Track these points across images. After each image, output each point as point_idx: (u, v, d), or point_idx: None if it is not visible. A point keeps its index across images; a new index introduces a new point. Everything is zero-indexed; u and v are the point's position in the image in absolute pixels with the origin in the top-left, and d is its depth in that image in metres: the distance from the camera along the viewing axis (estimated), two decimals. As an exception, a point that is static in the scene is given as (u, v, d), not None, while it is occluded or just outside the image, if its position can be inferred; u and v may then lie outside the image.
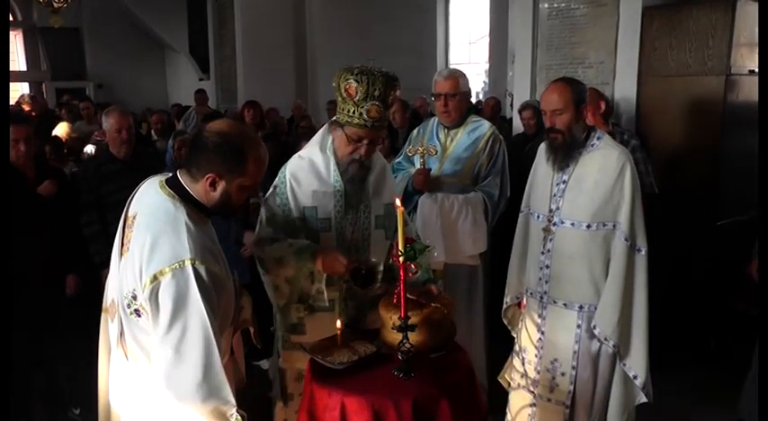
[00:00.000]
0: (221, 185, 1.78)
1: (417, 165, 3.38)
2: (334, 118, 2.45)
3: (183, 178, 1.82)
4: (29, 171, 3.35)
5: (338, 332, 2.22)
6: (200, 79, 11.73)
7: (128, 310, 1.76)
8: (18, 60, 13.24)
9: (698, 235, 4.18)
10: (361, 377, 2.06)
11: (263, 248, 2.40)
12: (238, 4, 9.78)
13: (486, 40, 11.06)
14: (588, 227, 2.60)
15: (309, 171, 2.46)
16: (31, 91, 12.77)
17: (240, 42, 9.86)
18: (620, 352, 2.60)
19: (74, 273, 3.50)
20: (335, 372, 2.08)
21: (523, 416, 2.87)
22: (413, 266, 2.08)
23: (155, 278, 1.66)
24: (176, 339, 1.65)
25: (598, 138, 2.64)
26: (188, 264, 1.67)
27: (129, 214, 1.83)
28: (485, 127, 3.39)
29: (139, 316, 1.74)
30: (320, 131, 2.56)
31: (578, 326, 2.66)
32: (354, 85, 2.29)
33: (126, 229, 1.81)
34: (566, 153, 2.63)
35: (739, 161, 4.14)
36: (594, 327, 2.61)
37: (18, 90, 13.11)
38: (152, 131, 7.34)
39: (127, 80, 12.77)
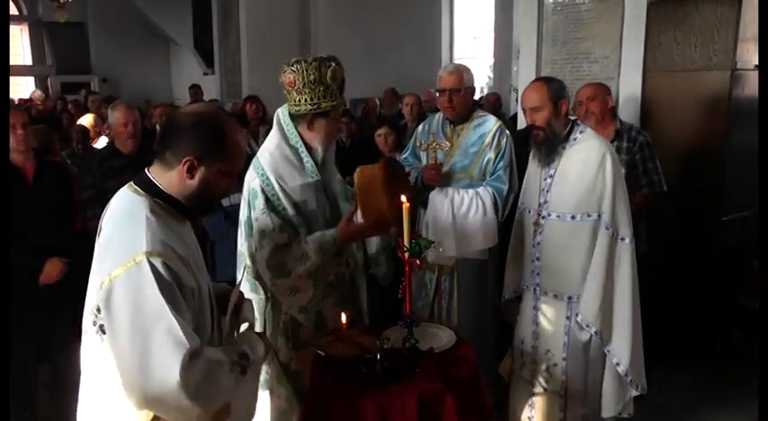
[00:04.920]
0: (200, 171, 1.61)
1: (425, 161, 3.38)
2: (310, 110, 2.37)
3: (152, 172, 1.67)
4: (29, 165, 3.33)
5: (343, 326, 2.24)
6: (205, 74, 11.72)
7: (93, 329, 1.56)
8: (23, 55, 13.26)
9: (703, 230, 4.17)
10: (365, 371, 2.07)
11: (279, 254, 2.30)
12: (243, -1, 9.79)
13: (491, 34, 11.02)
14: (573, 218, 2.71)
15: (288, 165, 2.40)
16: (36, 85, 12.81)
17: (245, 37, 9.84)
18: (603, 338, 2.67)
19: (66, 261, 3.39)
20: (340, 366, 2.09)
21: (525, 407, 2.93)
22: (418, 262, 2.10)
23: (109, 281, 1.48)
24: (141, 347, 1.45)
25: (581, 132, 2.75)
26: (142, 258, 1.48)
27: (102, 227, 1.67)
28: (491, 122, 3.39)
29: (105, 333, 1.53)
30: (278, 126, 2.47)
31: (567, 318, 2.75)
32: (339, 69, 2.41)
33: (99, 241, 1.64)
34: (548, 148, 2.75)
35: (745, 156, 4.12)
36: (577, 315, 2.69)
37: (23, 84, 13.15)
38: (156, 125, 7.36)
39: (131, 74, 12.78)
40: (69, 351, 3.50)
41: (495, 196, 3.28)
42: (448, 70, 3.38)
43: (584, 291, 2.69)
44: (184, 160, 1.59)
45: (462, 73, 3.35)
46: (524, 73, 5.32)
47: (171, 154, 1.62)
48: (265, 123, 6.65)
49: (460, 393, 2.03)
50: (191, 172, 1.61)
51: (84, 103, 8.58)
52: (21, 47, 13.24)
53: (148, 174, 1.66)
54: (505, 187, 3.30)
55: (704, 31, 4.14)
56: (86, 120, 5.97)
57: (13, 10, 12.86)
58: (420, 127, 3.63)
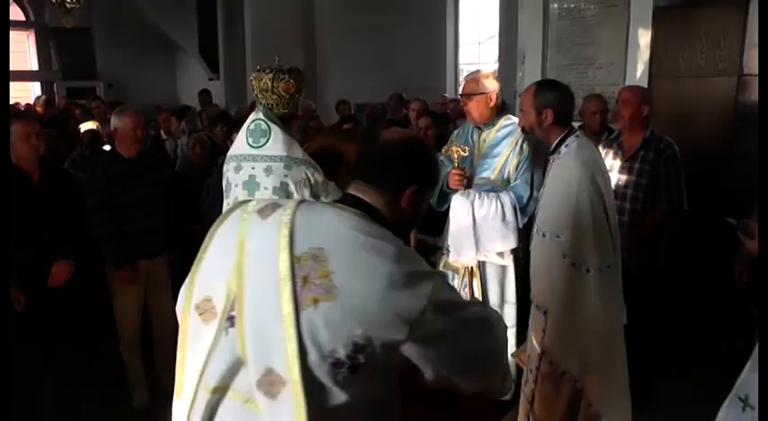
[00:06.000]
0: (417, 197, 1.59)
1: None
2: (296, 112, 2.81)
3: (369, 198, 1.54)
4: (34, 171, 3.37)
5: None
6: (210, 79, 11.75)
7: (334, 371, 1.35)
8: (30, 60, 13.32)
9: (710, 236, 4.15)
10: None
11: None
12: (248, 5, 9.80)
13: (496, 40, 11.03)
14: (544, 236, 2.63)
15: None
16: (42, 90, 12.86)
17: (249, 43, 9.88)
18: (563, 368, 2.58)
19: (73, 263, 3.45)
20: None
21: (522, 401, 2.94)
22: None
23: (425, 306, 1.37)
24: (479, 338, 1.50)
25: (566, 146, 2.61)
26: (434, 276, 1.45)
27: (304, 251, 1.38)
28: (517, 127, 3.42)
29: (355, 371, 1.35)
30: (280, 129, 2.61)
31: (543, 331, 2.67)
32: None
33: (312, 271, 1.37)
34: (536, 151, 2.84)
35: (752, 162, 4.10)
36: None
37: (30, 89, 13.21)
38: (161, 131, 7.40)
39: (137, 80, 12.81)
40: (75, 362, 3.57)
41: (515, 201, 3.35)
42: (467, 77, 3.55)
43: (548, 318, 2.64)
44: (409, 191, 1.57)
45: (478, 79, 3.44)
46: (529, 79, 5.31)
47: (390, 184, 1.56)
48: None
49: (466, 401, 2.02)
50: (411, 201, 1.58)
51: (90, 109, 8.57)
52: (27, 52, 13.29)
53: (366, 199, 1.55)
54: (527, 194, 3.35)
55: (710, 36, 4.13)
56: (87, 126, 5.96)
57: (20, 16, 12.93)
58: (455, 132, 3.78)
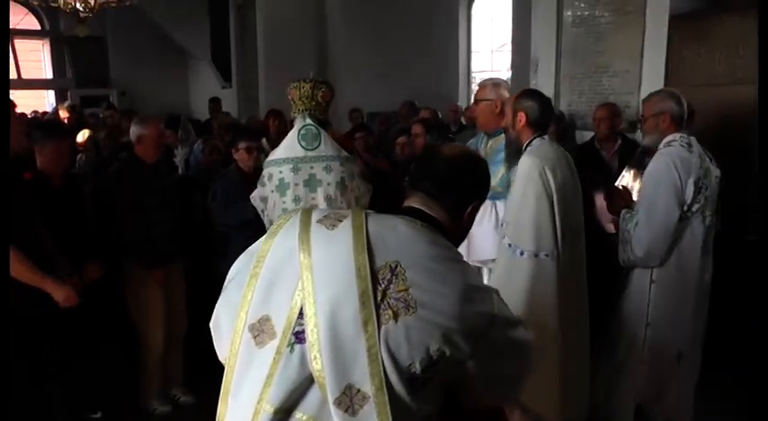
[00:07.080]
0: (476, 212, 1.65)
1: None
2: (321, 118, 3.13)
3: (434, 212, 1.55)
4: (57, 177, 3.55)
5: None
6: (223, 87, 11.81)
7: (410, 385, 1.34)
8: (44, 68, 13.46)
9: (725, 250, 4.08)
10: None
11: None
12: (260, 13, 9.84)
13: (509, 47, 11.00)
14: (502, 225, 2.93)
15: None
16: (56, 98, 12.97)
17: (262, 51, 9.91)
18: None
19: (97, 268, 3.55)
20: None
21: None
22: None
23: (497, 310, 1.41)
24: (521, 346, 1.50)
25: (531, 146, 2.93)
26: (494, 289, 1.50)
27: (381, 265, 1.37)
28: None
29: (425, 386, 1.35)
30: (325, 132, 3.08)
31: None
32: None
33: (390, 285, 1.35)
34: (508, 151, 3.08)
35: (770, 172, 4.05)
36: None
37: (44, 97, 13.34)
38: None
39: (150, 88, 12.88)
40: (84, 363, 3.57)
41: None
42: (480, 82, 3.72)
43: None
44: (473, 205, 1.63)
45: (486, 86, 3.52)
46: (542, 87, 5.27)
47: (455, 200, 1.59)
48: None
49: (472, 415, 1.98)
50: (471, 216, 1.64)
51: (103, 118, 8.62)
52: (42, 61, 13.44)
53: (431, 213, 1.56)
54: None
55: (728, 44, 4.08)
56: (85, 136, 5.99)
57: (35, 25, 13.10)
58: (470, 141, 3.82)
